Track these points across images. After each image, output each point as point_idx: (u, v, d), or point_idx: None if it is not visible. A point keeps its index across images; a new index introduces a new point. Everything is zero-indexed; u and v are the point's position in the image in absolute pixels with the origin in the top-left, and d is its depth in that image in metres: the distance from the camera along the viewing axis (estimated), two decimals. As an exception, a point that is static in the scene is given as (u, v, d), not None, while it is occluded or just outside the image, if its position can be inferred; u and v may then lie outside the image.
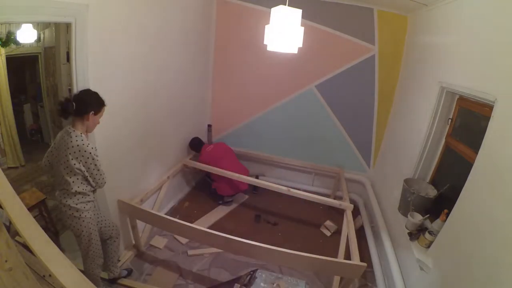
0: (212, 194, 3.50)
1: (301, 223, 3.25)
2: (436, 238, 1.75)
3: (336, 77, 3.35)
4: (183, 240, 2.74)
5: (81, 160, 1.57)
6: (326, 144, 3.64)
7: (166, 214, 3.13)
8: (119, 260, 2.31)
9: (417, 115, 2.47)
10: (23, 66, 4.63)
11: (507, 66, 1.35)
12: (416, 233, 1.97)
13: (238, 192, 3.43)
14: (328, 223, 3.17)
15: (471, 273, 1.37)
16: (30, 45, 3.79)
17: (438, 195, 2.04)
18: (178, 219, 3.04)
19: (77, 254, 2.41)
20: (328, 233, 3.09)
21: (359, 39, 3.14)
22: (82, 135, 1.58)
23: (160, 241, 2.70)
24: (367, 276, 2.50)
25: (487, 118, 1.47)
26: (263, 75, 3.54)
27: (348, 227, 2.45)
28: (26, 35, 3.33)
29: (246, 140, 3.88)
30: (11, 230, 1.31)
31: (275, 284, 1.98)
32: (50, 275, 1.25)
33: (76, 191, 1.62)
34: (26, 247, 1.16)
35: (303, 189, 3.87)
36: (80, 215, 1.67)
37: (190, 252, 2.60)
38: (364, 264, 1.86)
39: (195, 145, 3.47)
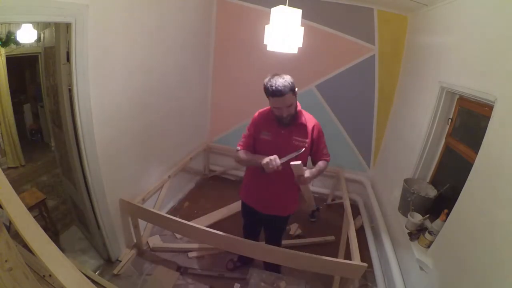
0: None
1: (300, 222, 3.24)
2: (436, 238, 1.75)
3: (336, 77, 3.34)
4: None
5: None
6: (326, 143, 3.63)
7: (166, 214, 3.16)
8: None
9: (417, 115, 2.46)
10: (23, 66, 4.63)
11: (507, 66, 1.35)
12: (416, 233, 1.96)
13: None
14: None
15: (471, 273, 1.37)
16: (30, 45, 3.78)
17: (438, 195, 2.04)
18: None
19: (77, 254, 2.42)
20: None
21: (359, 39, 3.13)
22: None
23: (160, 241, 2.70)
24: (367, 276, 2.49)
25: (487, 118, 1.47)
26: (263, 75, 3.50)
27: (349, 227, 2.45)
28: (26, 35, 3.33)
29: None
30: (11, 230, 1.31)
31: (275, 284, 1.98)
32: (50, 275, 1.25)
33: None
34: (26, 247, 1.15)
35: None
36: None
37: (191, 254, 2.59)
38: (365, 264, 1.85)
39: None
